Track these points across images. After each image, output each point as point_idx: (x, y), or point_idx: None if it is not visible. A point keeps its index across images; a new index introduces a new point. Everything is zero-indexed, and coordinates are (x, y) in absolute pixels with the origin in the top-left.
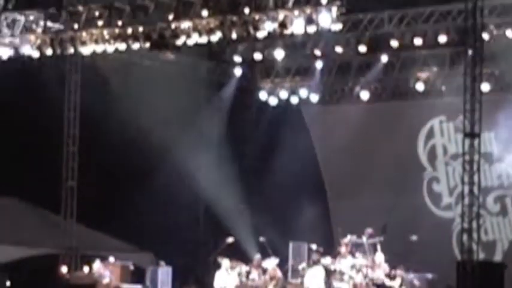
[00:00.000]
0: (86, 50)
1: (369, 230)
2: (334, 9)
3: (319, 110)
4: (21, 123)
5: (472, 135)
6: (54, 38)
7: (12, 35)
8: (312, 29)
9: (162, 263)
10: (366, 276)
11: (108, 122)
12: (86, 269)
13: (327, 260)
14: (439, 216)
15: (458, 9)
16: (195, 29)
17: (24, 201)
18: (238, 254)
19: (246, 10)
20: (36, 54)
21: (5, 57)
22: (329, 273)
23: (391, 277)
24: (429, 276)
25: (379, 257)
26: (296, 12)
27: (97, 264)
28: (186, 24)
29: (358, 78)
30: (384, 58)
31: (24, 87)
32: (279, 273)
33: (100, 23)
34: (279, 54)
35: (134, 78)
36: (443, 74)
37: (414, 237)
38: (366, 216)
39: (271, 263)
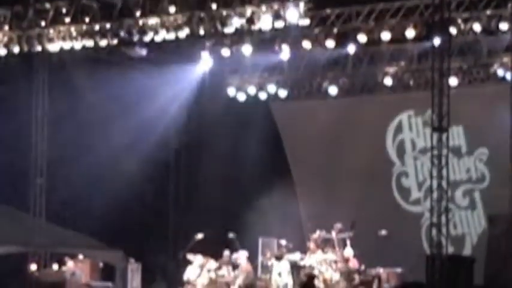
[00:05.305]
0: (53, 47)
1: (338, 225)
2: (302, 4)
3: (288, 105)
4: None
5: (440, 129)
6: (21, 35)
7: None
8: (279, 25)
9: (132, 260)
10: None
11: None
12: (55, 266)
13: (296, 256)
14: (408, 211)
15: (425, 4)
16: (163, 25)
17: None
18: (208, 250)
19: (214, 6)
20: (3, 51)
21: None
22: (298, 268)
23: (360, 273)
24: (398, 270)
25: (348, 252)
26: (263, 8)
27: (67, 262)
28: (153, 21)
29: (326, 73)
30: (352, 52)
31: None
32: (250, 268)
33: (67, 19)
34: (247, 50)
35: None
36: (411, 68)
37: (383, 232)
38: (336, 212)
39: (241, 256)
